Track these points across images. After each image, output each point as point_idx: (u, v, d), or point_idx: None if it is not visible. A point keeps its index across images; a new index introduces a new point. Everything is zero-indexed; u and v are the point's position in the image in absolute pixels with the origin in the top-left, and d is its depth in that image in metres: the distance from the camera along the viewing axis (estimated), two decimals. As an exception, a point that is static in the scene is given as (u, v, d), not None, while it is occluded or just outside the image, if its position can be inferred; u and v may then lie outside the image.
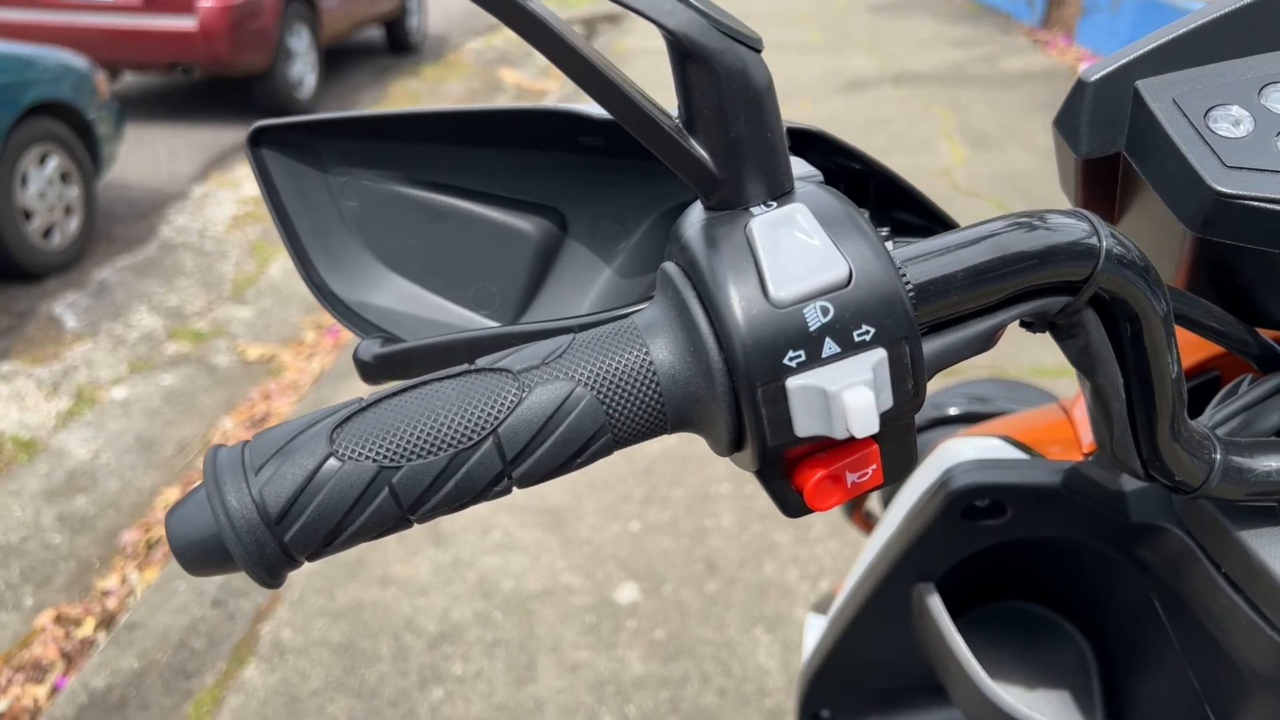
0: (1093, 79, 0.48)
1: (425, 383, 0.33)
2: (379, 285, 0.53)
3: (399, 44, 8.64)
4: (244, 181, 5.38)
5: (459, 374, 0.34)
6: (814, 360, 0.32)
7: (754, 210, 0.34)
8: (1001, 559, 0.65)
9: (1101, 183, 0.50)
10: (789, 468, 0.35)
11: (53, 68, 4.06)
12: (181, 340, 3.72)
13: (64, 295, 3.98)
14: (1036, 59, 7.24)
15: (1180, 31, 0.48)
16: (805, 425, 0.33)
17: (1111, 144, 0.48)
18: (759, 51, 0.34)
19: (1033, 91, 6.32)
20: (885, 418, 0.33)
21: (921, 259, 0.35)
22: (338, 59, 8.00)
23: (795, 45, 8.24)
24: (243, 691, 2.05)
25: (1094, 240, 0.36)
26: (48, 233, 4.07)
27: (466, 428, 0.32)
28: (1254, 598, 0.47)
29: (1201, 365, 0.57)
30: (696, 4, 0.32)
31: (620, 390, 0.33)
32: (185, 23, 5.80)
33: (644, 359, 0.34)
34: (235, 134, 6.15)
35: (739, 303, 0.32)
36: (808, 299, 0.32)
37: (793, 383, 0.32)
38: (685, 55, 0.33)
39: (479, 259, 0.53)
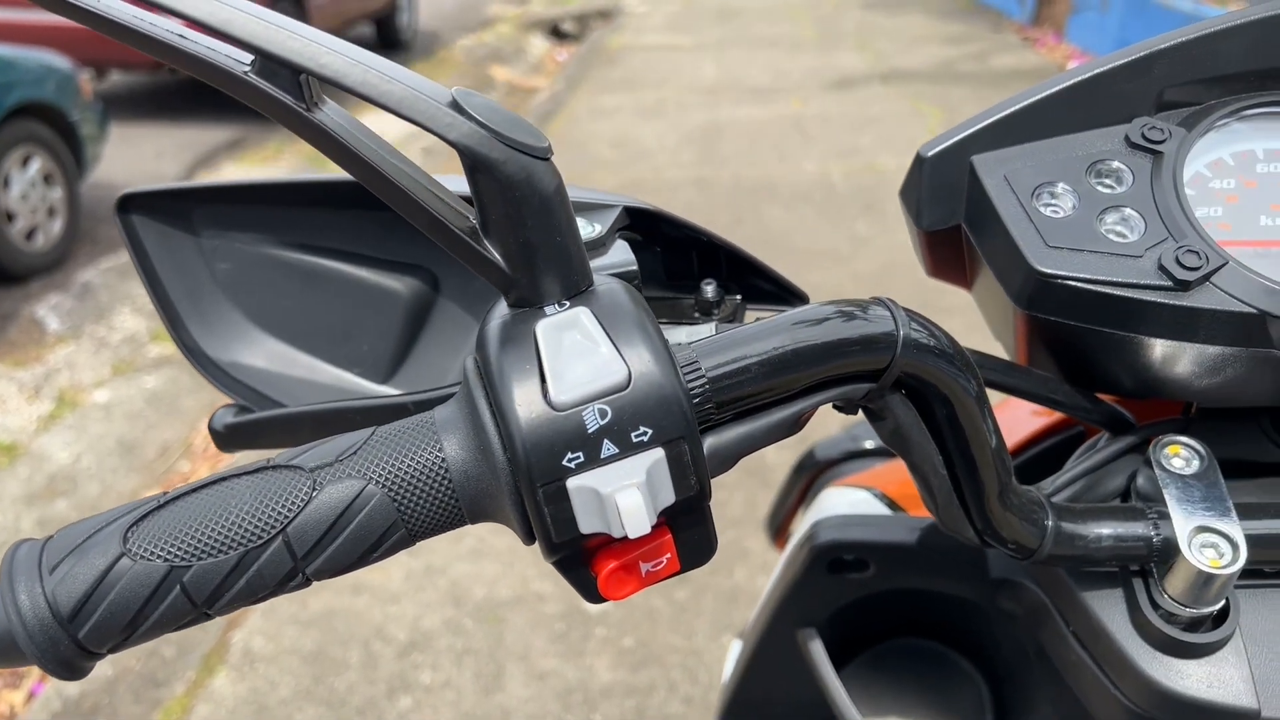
0: (929, 154, 0.49)
1: (221, 479, 0.34)
2: (251, 346, 0.53)
3: (389, 41, 8.63)
4: (231, 181, 5.39)
5: (255, 470, 0.34)
6: (592, 461, 0.33)
7: (547, 310, 0.35)
8: (900, 597, 0.66)
9: (948, 252, 0.51)
10: (587, 556, 0.36)
11: (35, 69, 4.06)
12: (165, 342, 3.72)
13: (47, 297, 3.98)
14: (1027, 57, 7.24)
15: (1016, 107, 0.48)
16: (587, 523, 0.33)
17: (951, 216, 0.49)
18: (546, 159, 0.34)
19: (1022, 89, 6.32)
20: (673, 511, 0.34)
21: (718, 352, 0.36)
22: (328, 56, 7.98)
23: (787, 42, 8.24)
24: (212, 700, 2.06)
25: (891, 329, 0.37)
26: (31, 234, 4.07)
27: (256, 527, 0.33)
28: (1097, 657, 0.48)
29: (1066, 422, 0.58)
30: (478, 117, 0.33)
31: (413, 488, 0.34)
32: (172, 21, 5.80)
33: (437, 457, 0.34)
34: (222, 133, 6.15)
35: (521, 405, 0.33)
36: (587, 402, 0.33)
37: (572, 483, 0.33)
38: (472, 165, 0.33)
39: (350, 319, 0.54)
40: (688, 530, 0.36)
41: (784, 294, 0.52)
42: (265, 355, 0.53)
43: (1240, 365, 0.45)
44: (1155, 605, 0.46)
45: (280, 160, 5.74)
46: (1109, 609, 0.47)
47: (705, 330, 0.45)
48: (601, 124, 6.16)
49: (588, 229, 0.45)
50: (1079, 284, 0.44)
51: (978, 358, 0.49)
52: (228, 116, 6.40)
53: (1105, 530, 0.45)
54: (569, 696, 2.05)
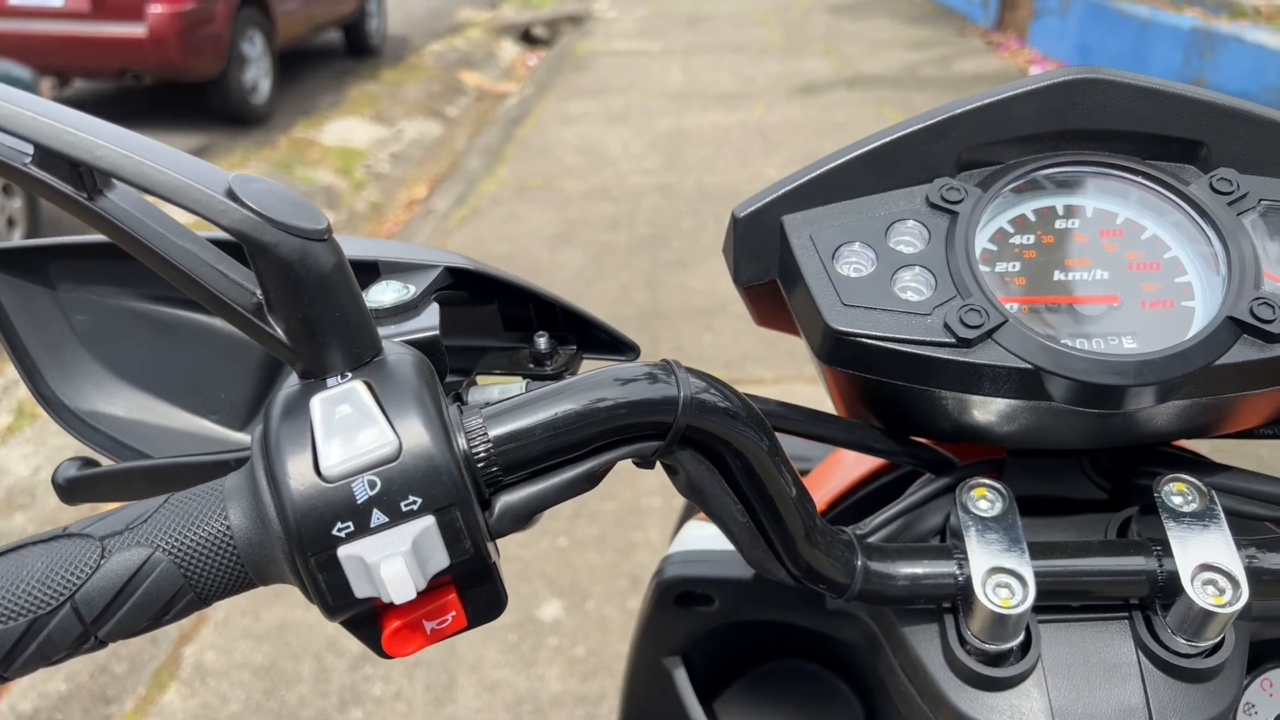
0: (742, 214, 0.51)
1: (17, 547, 0.36)
2: (111, 396, 0.55)
3: (358, 47, 8.62)
4: (195, 190, 5.36)
5: (49, 539, 0.36)
6: (362, 531, 0.35)
7: (328, 383, 0.37)
8: (773, 622, 0.69)
9: (771, 305, 0.53)
10: (374, 615, 0.38)
11: (-8, 81, 4.04)
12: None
13: (5, 310, 3.95)
14: (989, 61, 7.32)
15: (824, 169, 0.51)
16: (361, 589, 0.36)
17: (766, 273, 0.52)
18: (324, 240, 0.36)
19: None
20: (455, 572, 0.37)
21: (505, 418, 0.38)
22: (295, 63, 7.96)
23: (754, 47, 8.28)
24: (162, 716, 2.07)
25: (673, 392, 0.39)
26: (-11, 247, 4.04)
27: (45, 594, 0.35)
28: (917, 688, 0.50)
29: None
30: (251, 204, 0.34)
31: (199, 555, 0.36)
32: (134, 29, 5.77)
33: (223, 525, 0.36)
34: (187, 141, 6.12)
35: (293, 477, 0.35)
36: (356, 474, 0.35)
37: (342, 552, 0.35)
38: (249, 248, 0.35)
39: (208, 368, 0.55)
40: (474, 589, 0.38)
41: (618, 345, 0.55)
42: (125, 405, 0.55)
43: (1033, 415, 0.47)
44: (963, 641, 0.48)
45: (247, 168, 5.72)
46: (925, 643, 0.50)
47: (516, 389, 0.47)
48: (568, 130, 6.18)
49: (402, 291, 0.47)
50: (871, 341, 0.46)
51: (785, 409, 0.52)
52: (194, 124, 6.38)
53: (913, 570, 0.48)
54: (519, 707, 2.07)
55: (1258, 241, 0.48)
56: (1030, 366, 0.45)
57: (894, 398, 0.50)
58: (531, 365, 0.51)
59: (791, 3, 10.53)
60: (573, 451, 0.39)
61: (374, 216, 5.47)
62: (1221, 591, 0.45)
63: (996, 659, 0.48)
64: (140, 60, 5.87)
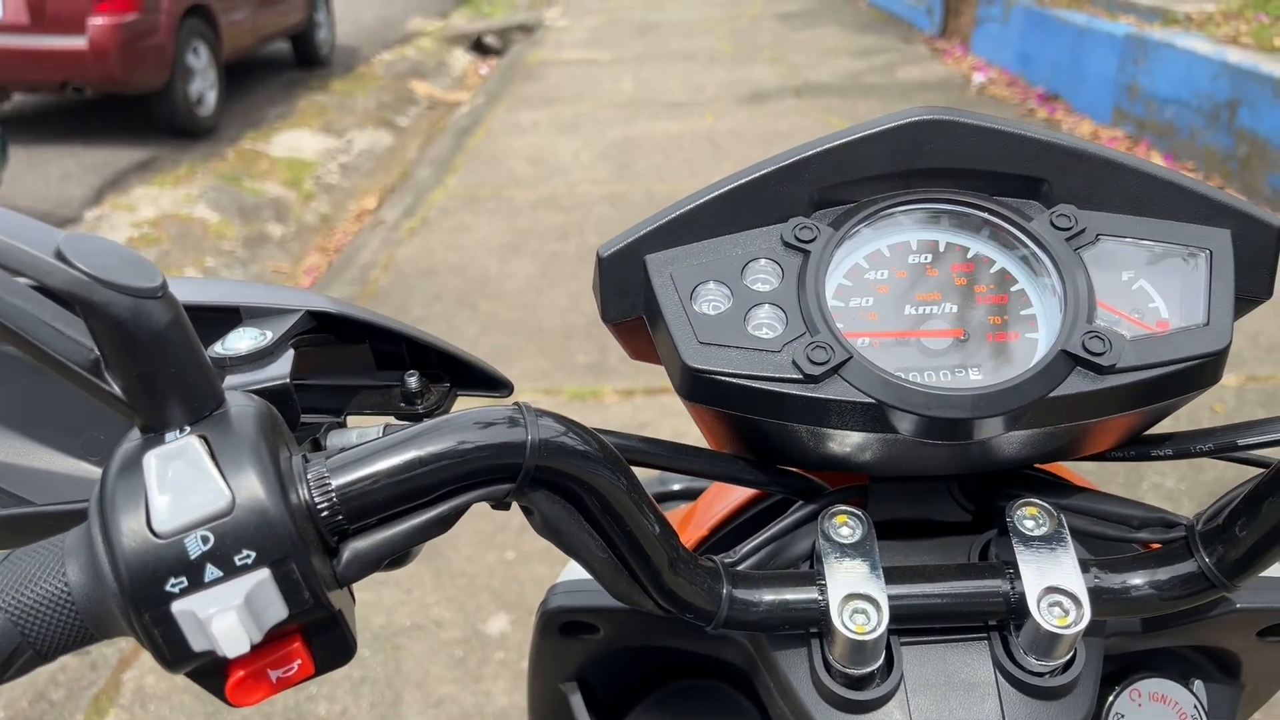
0: (606, 254, 0.53)
1: None
2: None
3: (307, 57, 8.54)
4: (141, 204, 5.29)
5: None
6: (196, 586, 0.35)
7: (166, 438, 0.37)
8: None
9: (641, 340, 0.55)
10: (218, 666, 0.38)
11: (-76, 97, 3.96)
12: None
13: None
14: (934, 68, 7.43)
15: (684, 209, 0.53)
16: (197, 643, 0.36)
17: (632, 310, 0.53)
18: (158, 297, 0.36)
19: (929, 100, 6.48)
20: (299, 621, 0.37)
21: (350, 467, 0.39)
22: (242, 74, 7.87)
23: (704, 56, 8.34)
24: (101, 743, 2.04)
25: (521, 435, 0.40)
26: (-77, 266, 3.95)
27: None
28: (790, 711, 0.52)
29: None
30: (80, 264, 0.35)
31: (37, 613, 0.36)
32: (75, 42, 5.68)
33: (61, 583, 0.37)
34: (133, 154, 6.03)
35: (126, 534, 0.35)
36: (188, 530, 0.35)
37: (176, 608, 0.35)
38: (81, 308, 0.35)
39: (84, 408, 0.55)
40: (320, 636, 0.39)
41: (493, 382, 0.56)
42: (3, 451, 0.55)
43: (886, 446, 0.49)
44: (828, 665, 0.50)
45: (194, 181, 5.65)
46: (794, 667, 0.51)
47: (375, 433, 0.48)
48: (519, 140, 6.18)
49: (258, 338, 0.48)
50: (725, 378, 0.48)
51: (648, 445, 0.54)
52: (139, 137, 6.29)
53: (777, 596, 0.49)
54: (465, 722, 2.07)
55: (1095, 275, 0.50)
56: (874, 401, 0.47)
57: (756, 430, 0.51)
58: (403, 404, 0.52)
59: (740, 11, 10.61)
60: (421, 497, 0.40)
61: (323, 228, 5.43)
62: (1066, 613, 0.47)
63: (860, 682, 0.49)
64: (81, 73, 5.78)
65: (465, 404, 0.50)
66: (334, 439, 0.49)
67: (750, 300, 0.50)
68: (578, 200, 5.04)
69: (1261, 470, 0.50)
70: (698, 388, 0.49)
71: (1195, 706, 0.61)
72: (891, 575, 0.50)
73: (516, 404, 0.42)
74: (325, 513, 0.38)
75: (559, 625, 0.60)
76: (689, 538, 0.67)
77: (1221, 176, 4.59)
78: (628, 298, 0.53)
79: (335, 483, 0.38)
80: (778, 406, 0.48)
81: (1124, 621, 0.57)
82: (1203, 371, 0.48)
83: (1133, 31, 5.38)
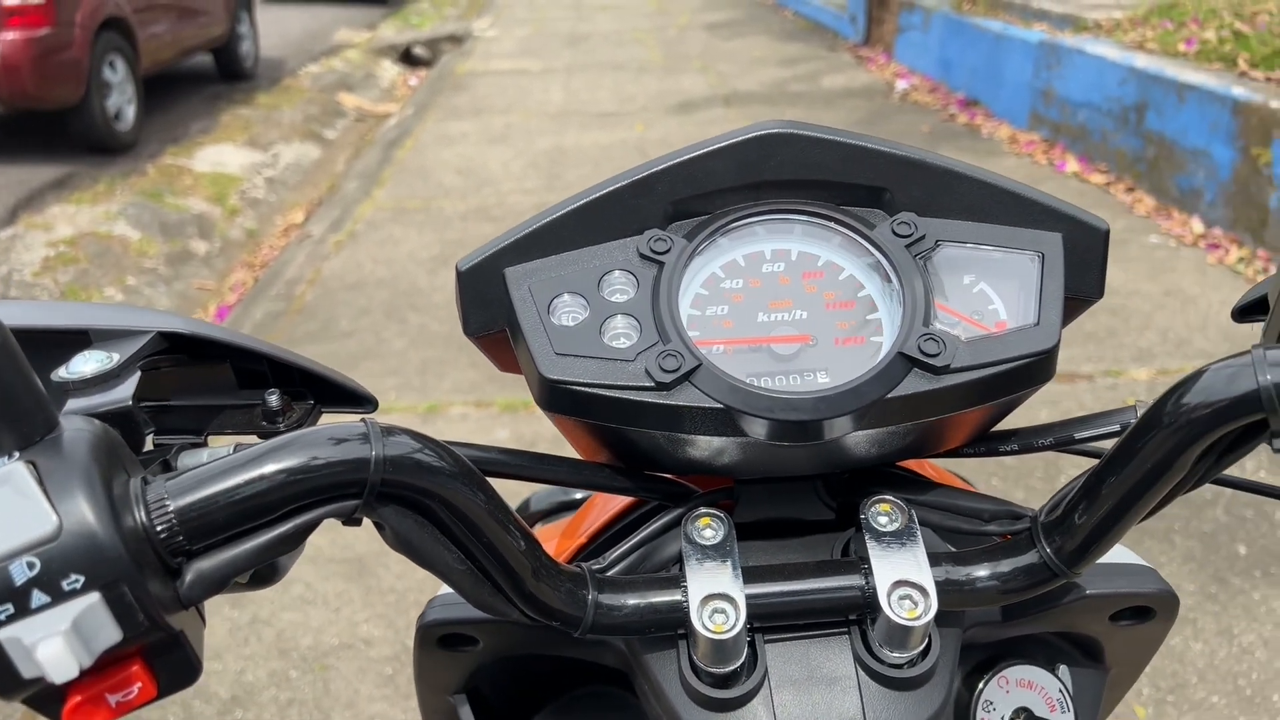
0: (464, 268, 0.54)
1: None
2: None
3: (231, 71, 8.41)
4: (57, 222, 5.15)
5: None
6: (23, 612, 0.35)
7: None
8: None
9: (506, 353, 0.56)
10: (54, 692, 0.38)
11: None
12: None
13: None
14: (859, 75, 7.56)
15: (541, 223, 0.54)
16: (26, 670, 0.36)
17: (494, 324, 0.54)
18: None
19: (853, 107, 6.60)
20: (131, 644, 0.37)
21: (189, 489, 0.39)
22: (163, 88, 7.71)
23: (634, 66, 8.38)
24: (16, 779, 1.98)
25: (365, 451, 0.41)
26: None
27: None
28: (662, 712, 0.53)
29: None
30: None
31: None
32: (-15, 57, 5.53)
33: None
34: (49, 172, 5.87)
35: None
36: (13, 556, 0.35)
37: (2, 635, 0.35)
38: None
39: None
40: (162, 658, 0.39)
41: (357, 398, 0.56)
42: None
43: (743, 448, 0.51)
44: (694, 666, 0.51)
45: (113, 198, 5.52)
46: (664, 669, 0.52)
47: (224, 451, 0.48)
48: (448, 151, 6.15)
49: (104, 361, 0.47)
50: (581, 388, 0.49)
51: (508, 456, 0.54)
52: (55, 153, 6.13)
53: (642, 601, 0.50)
54: (395, 740, 2.05)
55: (933, 279, 0.53)
56: (722, 406, 0.49)
57: (619, 439, 0.53)
58: (264, 423, 0.52)
59: (669, 21, 10.69)
60: (265, 515, 0.40)
61: (249, 244, 5.35)
62: (915, 605, 0.49)
63: (725, 680, 0.51)
64: (-8, 89, 5.62)
65: (329, 420, 0.50)
66: (185, 459, 0.49)
67: (606, 311, 0.52)
68: (508, 210, 5.03)
69: (1096, 462, 0.52)
70: (555, 398, 0.50)
71: (1060, 691, 0.63)
72: (751, 575, 0.51)
73: (363, 419, 0.42)
74: (163, 534, 0.38)
75: (437, 638, 0.60)
76: (567, 546, 0.68)
77: (1132, 177, 4.74)
78: (489, 311, 0.54)
79: (174, 504, 0.38)
80: (632, 414, 0.49)
81: (985, 611, 0.59)
82: (1035, 369, 0.51)
83: (1045, 38, 5.54)
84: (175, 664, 0.39)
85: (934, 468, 0.72)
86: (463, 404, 3.20)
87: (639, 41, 9.53)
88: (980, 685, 0.63)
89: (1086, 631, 0.63)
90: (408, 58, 9.91)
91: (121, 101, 6.38)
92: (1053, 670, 0.64)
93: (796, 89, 7.21)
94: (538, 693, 0.74)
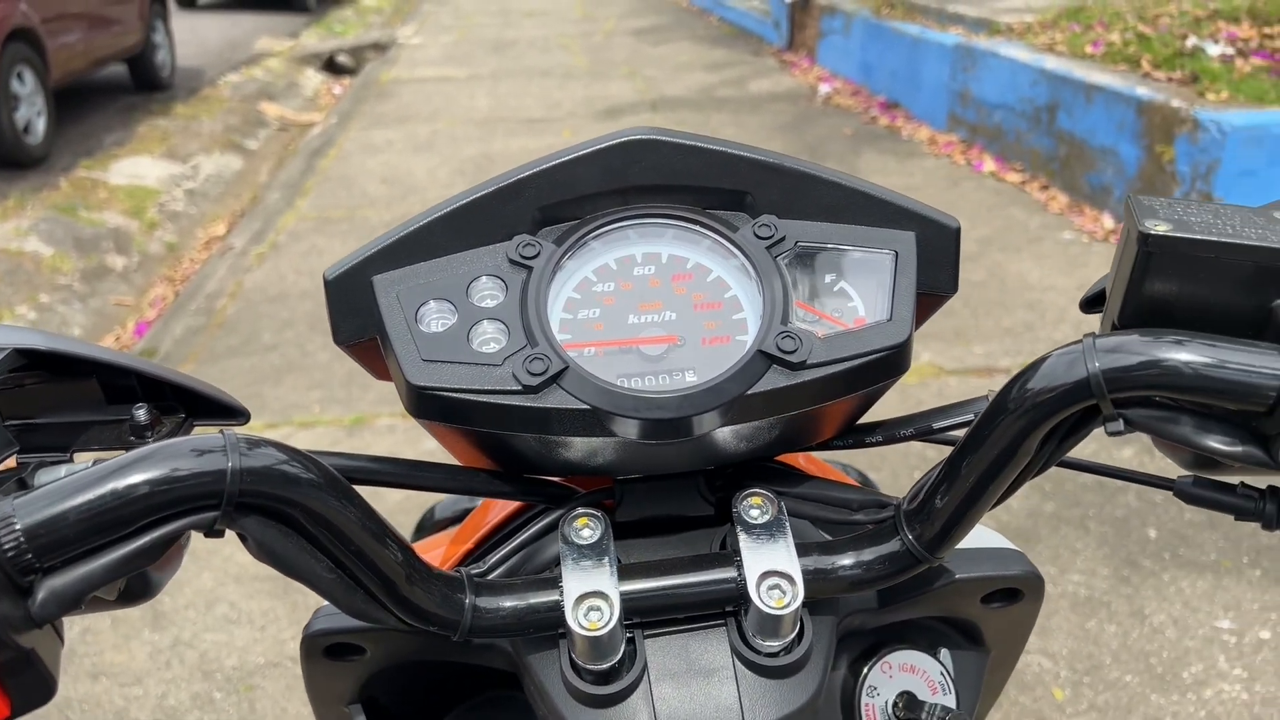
0: (331, 277, 0.54)
1: None
2: None
3: (146, 81, 8.20)
4: (-37, 240, 4.98)
5: None
6: None
7: None
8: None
9: (378, 362, 0.56)
10: None
11: None
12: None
13: None
14: (783, 80, 7.66)
15: (409, 230, 0.54)
16: None
17: (365, 331, 0.54)
18: None
19: (777, 111, 6.69)
20: None
21: (38, 506, 0.38)
22: (77, 99, 7.50)
23: (560, 72, 8.38)
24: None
25: (221, 463, 0.41)
26: None
27: None
28: (547, 713, 0.54)
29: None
30: None
31: None
32: (-118, 70, 5.32)
33: None
34: (-47, 187, 5.67)
35: None
36: None
37: None
38: None
39: None
40: (16, 678, 0.39)
41: (229, 410, 0.56)
42: None
43: (616, 448, 0.52)
44: (574, 664, 0.52)
45: (24, 213, 5.35)
46: (547, 669, 0.53)
47: (82, 468, 0.48)
48: (373, 159, 6.08)
49: None
50: (448, 394, 0.50)
51: (378, 464, 0.55)
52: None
53: (520, 603, 0.51)
54: (322, 757, 2.02)
55: (792, 280, 0.54)
56: (589, 407, 0.50)
57: (494, 443, 0.53)
58: (133, 438, 0.52)
59: (595, 27, 10.71)
60: (119, 529, 0.40)
61: (170, 258, 5.22)
62: (784, 594, 0.51)
63: (606, 677, 0.52)
64: (-109, 103, 5.41)
65: (200, 434, 0.49)
66: (41, 476, 0.49)
67: (475, 316, 0.52)
68: (434, 219, 4.99)
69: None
70: (423, 405, 0.51)
71: (942, 673, 0.65)
72: (628, 572, 0.52)
73: (222, 431, 0.42)
74: (11, 553, 0.38)
75: (323, 649, 0.60)
76: (455, 552, 0.69)
77: (1046, 176, 4.88)
78: (358, 319, 0.54)
79: (21, 522, 0.38)
80: (501, 418, 0.50)
81: (861, 599, 0.61)
82: (888, 362, 0.52)
83: (961, 41, 5.68)
84: (28, 683, 0.39)
85: (814, 461, 0.74)
86: (389, 415, 3.17)
87: (565, 47, 9.54)
88: (864, 671, 0.65)
89: (963, 615, 0.66)
90: (331, 66, 9.78)
91: (31, 114, 6.19)
92: (934, 654, 0.66)
93: (723, 94, 7.28)
94: (438, 700, 0.74)
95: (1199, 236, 0.44)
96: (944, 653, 0.67)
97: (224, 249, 5.01)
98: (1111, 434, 0.45)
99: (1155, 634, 2.22)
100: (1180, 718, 2.02)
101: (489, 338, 0.52)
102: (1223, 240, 0.44)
